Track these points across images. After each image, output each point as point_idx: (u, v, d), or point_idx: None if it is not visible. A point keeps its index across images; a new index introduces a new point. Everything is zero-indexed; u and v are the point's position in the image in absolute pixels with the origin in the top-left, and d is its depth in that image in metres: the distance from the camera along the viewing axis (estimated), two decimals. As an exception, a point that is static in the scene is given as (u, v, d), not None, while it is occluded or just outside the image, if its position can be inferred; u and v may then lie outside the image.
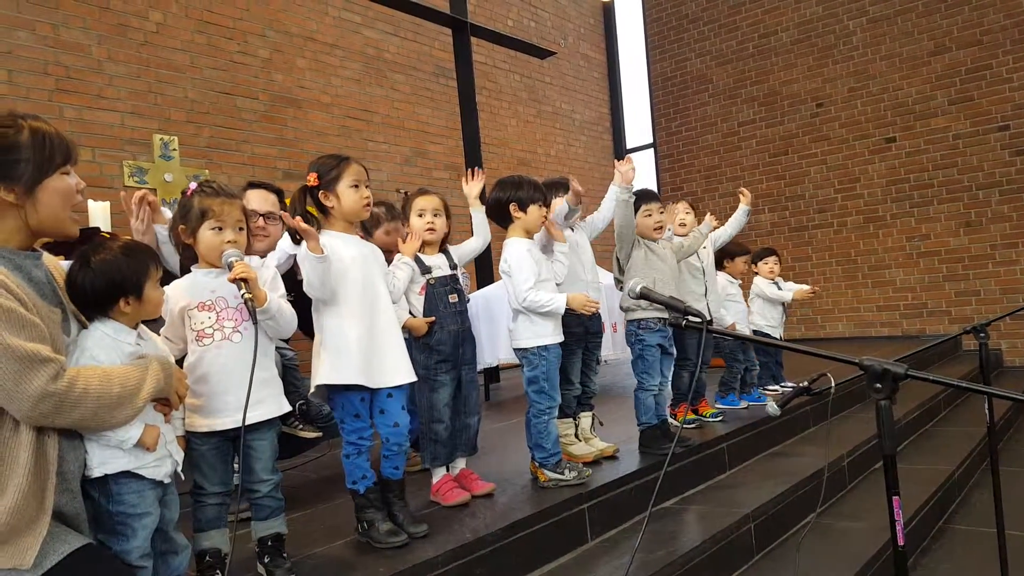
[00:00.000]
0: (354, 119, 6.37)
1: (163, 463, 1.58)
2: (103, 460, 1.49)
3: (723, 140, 8.88)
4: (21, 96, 4.37)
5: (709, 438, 3.30)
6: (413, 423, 2.38)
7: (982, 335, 2.41)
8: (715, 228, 3.60)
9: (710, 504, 2.89)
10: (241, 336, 1.83)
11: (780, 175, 8.48)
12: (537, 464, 2.65)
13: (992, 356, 7.02)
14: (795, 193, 8.38)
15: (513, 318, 2.72)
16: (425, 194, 2.55)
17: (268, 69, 5.75)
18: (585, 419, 3.03)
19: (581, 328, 2.88)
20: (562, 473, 2.60)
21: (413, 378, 2.19)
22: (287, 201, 2.47)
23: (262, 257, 2.31)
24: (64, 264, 1.62)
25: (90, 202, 3.94)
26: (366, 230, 2.53)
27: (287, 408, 1.93)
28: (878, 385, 1.25)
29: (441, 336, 2.44)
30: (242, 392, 1.72)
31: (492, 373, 5.41)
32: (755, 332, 4.42)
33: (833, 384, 2.37)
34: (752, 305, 4.50)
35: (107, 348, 1.53)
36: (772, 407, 2.87)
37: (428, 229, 2.48)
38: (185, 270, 1.92)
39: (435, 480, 2.51)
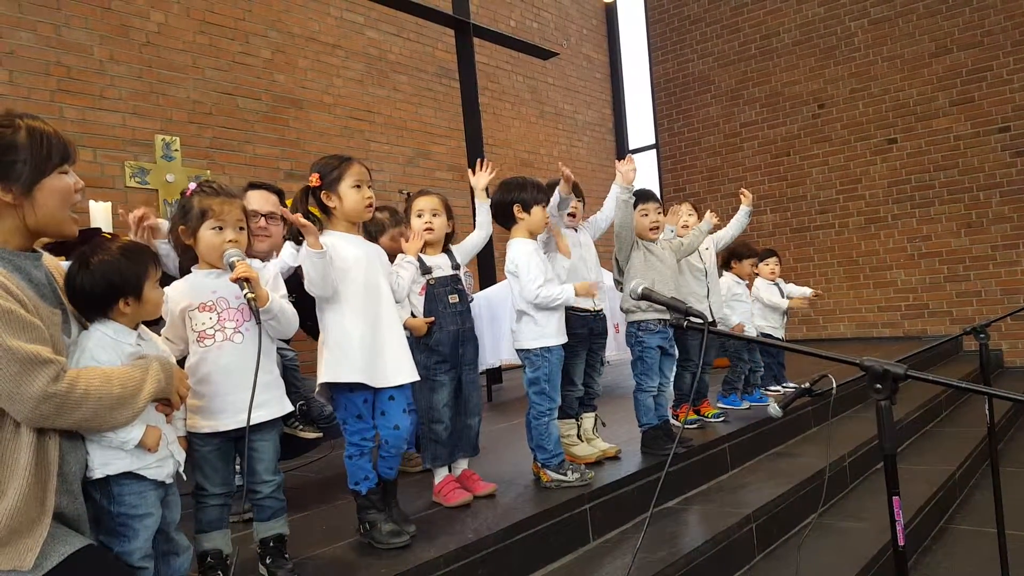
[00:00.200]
0: (356, 120, 6.38)
1: (165, 464, 1.59)
2: (105, 461, 1.49)
3: (725, 141, 8.88)
4: (23, 96, 4.38)
5: (711, 438, 3.30)
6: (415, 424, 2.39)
7: (982, 336, 2.42)
8: (715, 224, 3.60)
9: (712, 504, 2.89)
10: (243, 337, 1.83)
11: (782, 176, 8.48)
12: (539, 465, 2.65)
13: (993, 357, 7.02)
14: (797, 194, 8.38)
15: (516, 319, 2.72)
16: (424, 195, 2.55)
17: (270, 70, 5.76)
18: (588, 420, 3.03)
19: (585, 330, 2.89)
20: (564, 474, 2.60)
21: (416, 377, 2.19)
22: (288, 202, 2.48)
23: (264, 260, 2.32)
24: (64, 265, 1.62)
25: (91, 203, 3.96)
26: (372, 237, 2.53)
27: (289, 408, 1.93)
28: (878, 386, 1.26)
29: (440, 336, 2.44)
30: (244, 393, 1.73)
31: (495, 374, 5.41)
32: (760, 334, 4.43)
33: (834, 385, 2.37)
34: (753, 307, 4.51)
35: (108, 349, 1.53)
36: (774, 408, 2.87)
37: (426, 229, 2.49)
38: (185, 271, 1.92)
39: (437, 481, 2.51)
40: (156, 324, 1.77)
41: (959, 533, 3.31)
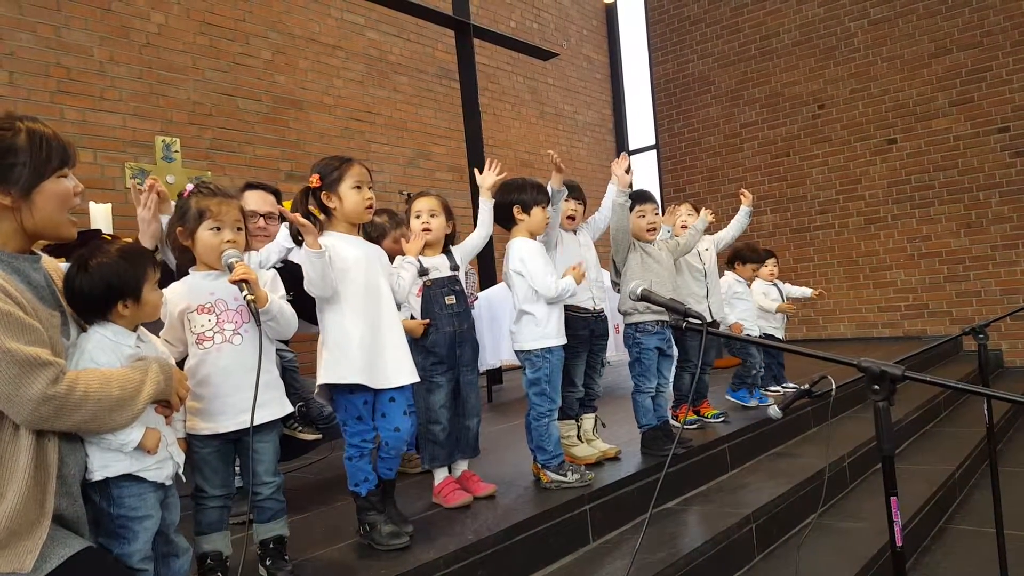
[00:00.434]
0: (357, 121, 6.38)
1: (164, 465, 1.59)
2: (104, 463, 1.49)
3: (725, 142, 8.88)
4: (23, 98, 4.38)
5: (710, 439, 3.31)
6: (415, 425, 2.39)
7: (981, 336, 2.42)
8: (710, 222, 3.61)
9: (712, 505, 2.89)
10: (242, 338, 1.83)
11: (782, 176, 8.48)
12: (539, 466, 2.65)
13: (992, 357, 7.02)
14: (797, 194, 8.39)
15: (516, 319, 2.72)
16: (423, 196, 2.56)
17: (270, 71, 5.76)
18: (588, 420, 3.03)
19: (586, 331, 2.89)
20: (564, 475, 2.60)
21: (416, 378, 2.19)
22: (287, 204, 2.48)
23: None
24: (63, 266, 1.62)
25: (91, 204, 3.96)
26: (373, 241, 2.53)
27: (290, 409, 1.93)
28: (876, 387, 1.26)
29: (436, 338, 2.44)
30: (244, 394, 1.73)
31: (495, 374, 5.42)
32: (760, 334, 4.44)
33: (834, 387, 2.37)
34: (754, 308, 4.52)
35: (107, 351, 1.53)
36: (774, 411, 2.88)
37: (424, 229, 2.49)
38: (183, 273, 1.92)
39: (437, 482, 2.51)
40: (154, 325, 1.77)
41: (958, 533, 3.32)
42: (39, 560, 1.30)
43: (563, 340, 2.70)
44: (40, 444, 1.37)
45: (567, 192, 2.94)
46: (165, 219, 2.19)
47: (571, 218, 2.99)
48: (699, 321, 1.63)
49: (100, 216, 3.88)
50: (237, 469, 1.98)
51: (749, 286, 4.41)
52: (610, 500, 2.61)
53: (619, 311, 3.20)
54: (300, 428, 2.66)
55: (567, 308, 2.80)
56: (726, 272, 4.30)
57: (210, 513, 1.84)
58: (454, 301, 2.49)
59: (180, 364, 1.79)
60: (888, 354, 6.02)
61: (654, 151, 9.56)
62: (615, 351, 4.95)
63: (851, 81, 7.99)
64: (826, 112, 8.16)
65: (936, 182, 7.54)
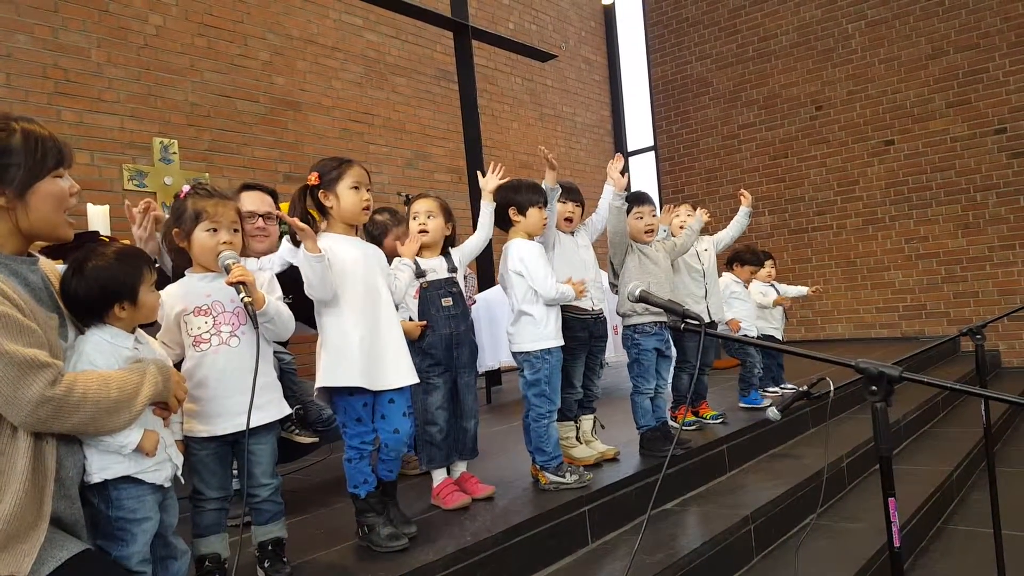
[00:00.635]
0: (355, 122, 6.38)
1: (163, 467, 1.58)
2: (103, 466, 1.49)
3: (723, 143, 8.89)
4: (20, 99, 4.38)
5: (709, 440, 3.31)
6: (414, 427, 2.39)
7: (978, 337, 2.42)
8: (706, 222, 3.62)
9: (710, 506, 2.89)
10: (239, 340, 1.82)
11: (780, 178, 8.49)
12: (538, 467, 2.65)
13: (990, 357, 7.04)
14: (795, 195, 8.40)
15: (513, 321, 2.71)
16: (421, 198, 2.56)
17: (269, 72, 5.76)
18: (586, 422, 3.03)
19: (585, 333, 2.89)
20: (563, 476, 2.60)
21: (415, 379, 2.19)
22: (283, 207, 2.48)
23: (258, 258, 2.32)
24: (61, 268, 1.62)
25: (89, 206, 3.96)
26: (375, 239, 2.53)
27: (288, 411, 1.93)
28: (874, 388, 1.26)
29: (432, 340, 2.44)
30: (241, 396, 1.73)
31: (493, 376, 5.41)
32: (760, 335, 4.44)
33: (832, 388, 2.37)
34: (753, 309, 4.52)
35: (105, 353, 1.53)
36: (773, 412, 2.87)
37: (421, 231, 2.50)
38: (179, 275, 1.91)
39: (435, 483, 2.51)
40: (151, 327, 1.76)
41: (956, 534, 3.32)
42: (36, 563, 1.30)
43: (561, 341, 2.70)
44: (38, 447, 1.36)
45: (565, 194, 2.95)
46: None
47: (569, 220, 2.99)
48: (697, 322, 1.63)
49: (97, 218, 3.87)
50: (235, 471, 1.97)
51: (747, 287, 4.42)
52: (609, 501, 2.61)
53: (617, 313, 3.20)
54: (297, 431, 2.66)
55: (565, 309, 2.79)
56: (724, 273, 4.30)
57: (208, 515, 1.83)
58: (451, 303, 2.48)
59: (177, 366, 1.79)
60: (886, 355, 6.03)
61: (652, 152, 9.57)
62: (614, 352, 4.95)
63: (849, 83, 8.01)
64: (824, 113, 8.17)
65: (933, 183, 7.55)
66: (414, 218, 2.52)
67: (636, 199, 3.22)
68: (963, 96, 7.36)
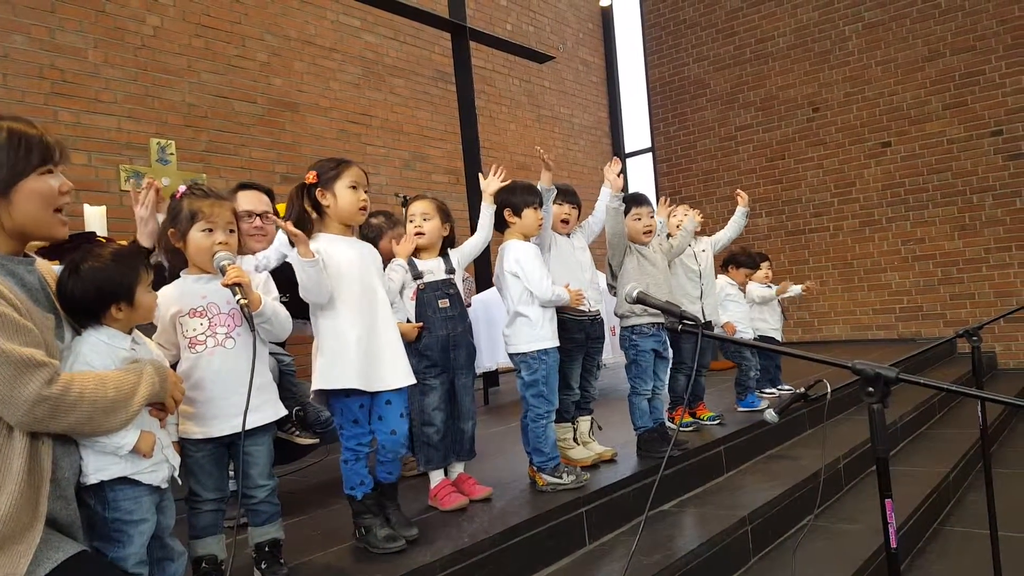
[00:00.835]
0: (353, 123, 6.38)
1: (160, 468, 1.58)
2: (99, 467, 1.48)
3: (720, 144, 8.91)
4: (17, 100, 4.37)
5: (706, 441, 3.31)
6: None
7: (975, 338, 2.43)
8: (698, 222, 3.64)
9: (707, 507, 2.89)
10: (234, 342, 1.82)
11: (777, 179, 8.51)
12: (535, 468, 2.65)
13: (986, 359, 7.05)
14: (792, 197, 8.41)
15: (509, 322, 2.72)
16: (418, 199, 2.56)
17: (266, 73, 5.76)
18: (584, 423, 3.03)
19: (582, 334, 2.89)
20: (560, 477, 2.60)
21: (412, 380, 2.19)
22: (280, 208, 2.47)
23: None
24: (57, 269, 1.61)
25: (86, 206, 3.95)
26: (370, 243, 2.52)
27: (283, 412, 1.93)
28: (870, 389, 1.27)
29: (429, 341, 2.44)
30: (237, 398, 1.72)
31: (491, 377, 5.41)
32: (758, 336, 4.44)
33: (829, 390, 2.38)
34: (751, 311, 4.52)
35: (102, 353, 1.52)
36: (770, 415, 2.88)
37: (416, 233, 2.50)
38: (174, 276, 1.91)
39: (433, 485, 2.51)
40: (148, 328, 1.76)
41: (953, 535, 3.32)
42: (32, 564, 1.29)
43: (557, 342, 2.70)
44: (34, 447, 1.36)
45: (562, 196, 2.95)
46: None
47: (565, 222, 2.99)
48: (694, 323, 1.63)
49: (94, 218, 3.86)
50: (231, 473, 1.97)
51: (742, 290, 4.42)
52: (606, 502, 2.61)
53: (615, 314, 3.20)
54: (297, 432, 2.65)
55: (562, 311, 2.80)
56: (718, 276, 4.30)
57: (204, 517, 1.83)
58: (448, 304, 2.48)
59: (173, 367, 1.79)
60: (883, 356, 6.04)
61: (650, 154, 9.58)
62: (611, 354, 4.96)
63: (845, 84, 8.02)
64: (821, 115, 8.19)
65: (930, 185, 7.57)
66: (411, 220, 2.52)
67: (634, 200, 3.23)
68: (960, 98, 7.39)
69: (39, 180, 1.45)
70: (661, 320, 3.05)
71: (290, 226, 1.95)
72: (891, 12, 7.76)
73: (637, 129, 9.70)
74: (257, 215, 2.77)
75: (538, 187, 2.78)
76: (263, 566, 1.89)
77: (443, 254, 2.57)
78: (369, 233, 2.98)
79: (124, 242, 2.28)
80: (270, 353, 2.34)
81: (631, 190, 3.31)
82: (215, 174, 5.26)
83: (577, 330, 2.87)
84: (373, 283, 2.15)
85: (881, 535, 1.33)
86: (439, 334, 2.45)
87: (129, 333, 1.61)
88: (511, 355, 2.73)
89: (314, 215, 2.14)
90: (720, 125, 8.90)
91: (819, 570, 2.58)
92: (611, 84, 9.62)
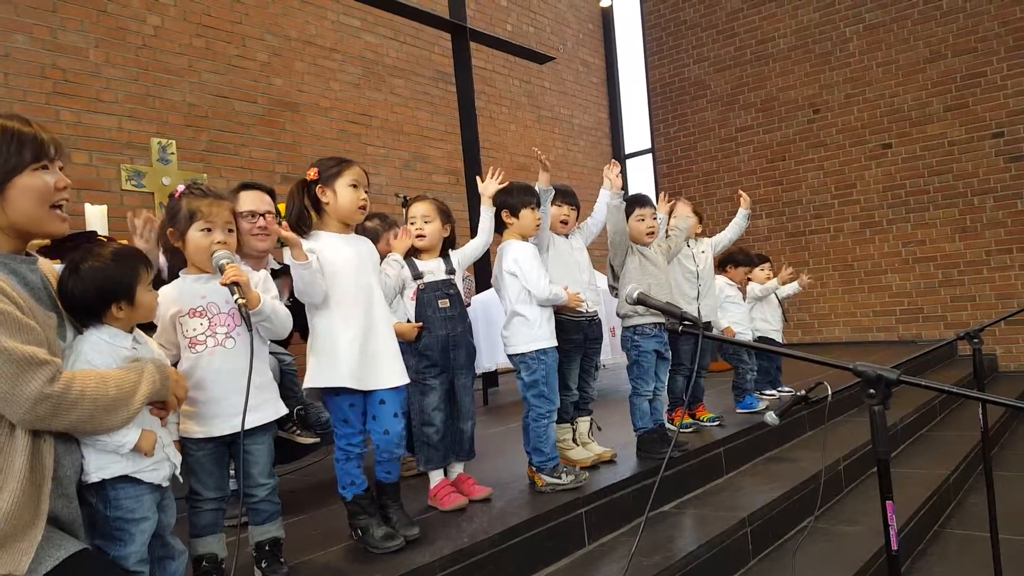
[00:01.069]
0: (353, 123, 6.38)
1: (161, 466, 1.58)
2: (100, 465, 1.48)
3: (721, 146, 8.91)
4: (18, 99, 4.37)
5: (706, 442, 3.31)
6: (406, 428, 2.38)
7: (976, 340, 2.42)
8: (692, 217, 3.65)
9: (707, 508, 2.89)
10: (234, 342, 1.82)
11: (777, 181, 8.51)
12: (534, 468, 2.65)
13: (987, 361, 7.05)
14: (792, 199, 8.41)
15: (507, 323, 2.72)
16: (418, 201, 2.56)
17: (267, 73, 5.76)
18: (583, 424, 3.03)
19: (580, 335, 2.89)
20: (559, 477, 2.60)
21: (406, 380, 2.18)
22: (280, 207, 2.47)
23: (262, 259, 2.31)
24: (58, 268, 1.61)
25: (87, 206, 3.94)
26: None
27: (284, 412, 1.93)
28: (872, 391, 1.26)
29: (429, 341, 2.44)
30: (237, 397, 1.72)
31: (490, 377, 5.41)
32: (759, 337, 4.44)
33: (830, 392, 2.38)
34: (752, 311, 4.52)
35: (103, 353, 1.52)
36: (771, 417, 2.88)
37: (417, 235, 2.50)
38: (174, 275, 1.91)
39: (432, 484, 2.51)
40: (147, 329, 1.76)
41: (953, 537, 3.32)
42: (34, 562, 1.30)
43: (555, 342, 2.71)
44: (36, 445, 1.36)
45: (561, 197, 2.95)
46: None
47: (564, 222, 2.99)
48: (695, 325, 1.63)
49: (95, 218, 3.86)
50: (232, 472, 1.97)
51: (741, 290, 4.41)
52: (606, 503, 2.61)
53: (617, 314, 3.21)
54: (298, 432, 2.65)
55: (560, 312, 2.80)
56: (717, 277, 4.30)
57: (205, 516, 1.83)
58: (448, 305, 2.48)
59: (174, 367, 1.78)
60: (883, 358, 6.04)
61: (650, 155, 9.58)
62: (610, 354, 4.96)
63: (846, 86, 8.02)
64: (821, 117, 8.19)
65: (931, 187, 7.57)
66: (411, 223, 2.52)
67: (637, 201, 3.23)
68: (961, 100, 7.39)
69: (33, 176, 1.45)
70: (663, 320, 3.06)
71: (284, 231, 1.95)
72: (892, 13, 7.76)
73: (637, 130, 9.71)
74: (260, 215, 2.77)
75: (536, 188, 2.78)
76: (263, 565, 1.89)
77: (443, 255, 2.57)
78: (364, 236, 2.98)
79: (125, 241, 2.28)
80: (271, 353, 2.34)
81: (631, 191, 3.31)
82: (215, 174, 5.26)
83: (575, 331, 2.87)
84: (370, 282, 2.15)
85: (881, 537, 1.33)
86: (439, 334, 2.45)
87: (130, 332, 1.61)
88: (510, 356, 2.73)
89: (313, 214, 2.14)
90: (720, 126, 8.90)
91: (819, 572, 2.57)
92: (611, 85, 9.62)
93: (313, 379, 2.07)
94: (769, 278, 4.64)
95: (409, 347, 2.45)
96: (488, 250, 2.76)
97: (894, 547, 1.31)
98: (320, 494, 2.85)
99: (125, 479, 1.51)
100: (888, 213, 7.82)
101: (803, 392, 2.45)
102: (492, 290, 4.90)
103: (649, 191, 9.38)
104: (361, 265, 2.14)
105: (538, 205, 2.76)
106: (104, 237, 3.17)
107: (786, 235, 8.44)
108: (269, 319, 1.84)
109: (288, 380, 2.66)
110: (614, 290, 3.29)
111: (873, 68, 7.87)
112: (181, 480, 1.68)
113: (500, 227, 2.76)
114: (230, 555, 1.85)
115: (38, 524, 1.32)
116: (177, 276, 1.89)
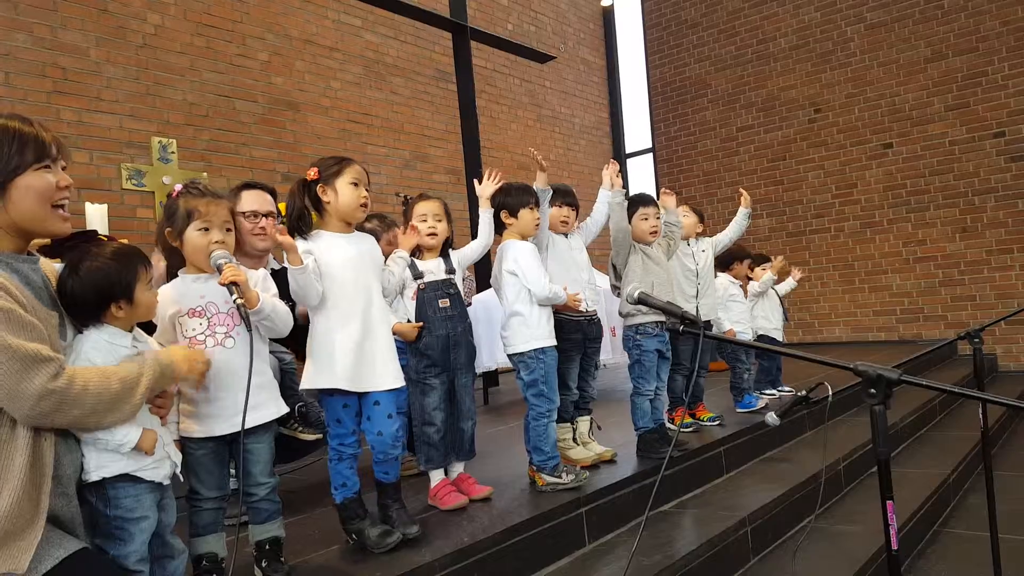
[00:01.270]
0: (353, 122, 6.38)
1: (162, 464, 1.58)
2: (100, 464, 1.48)
3: (721, 145, 8.90)
4: (19, 98, 4.37)
5: (706, 442, 3.31)
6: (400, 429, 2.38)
7: (976, 340, 2.42)
8: (679, 209, 3.66)
9: (707, 508, 2.89)
10: (234, 341, 1.81)
11: (778, 180, 8.51)
12: (535, 468, 2.65)
13: (987, 361, 7.04)
14: (793, 198, 8.41)
15: (505, 323, 2.72)
16: (427, 199, 2.56)
17: (267, 72, 5.76)
18: (583, 423, 3.04)
19: (579, 334, 2.89)
20: (560, 477, 2.60)
21: (401, 383, 2.18)
22: (281, 207, 2.47)
23: (263, 259, 2.31)
24: (58, 267, 1.62)
25: (87, 205, 3.95)
26: None
27: (284, 410, 1.93)
28: (872, 390, 1.26)
29: (429, 341, 2.44)
30: (237, 397, 1.72)
31: (491, 377, 5.41)
32: (760, 335, 4.44)
33: (830, 393, 2.38)
34: (753, 309, 4.52)
35: (103, 352, 1.52)
36: (772, 418, 2.88)
37: (430, 233, 2.49)
38: (172, 275, 1.91)
39: (433, 484, 2.51)
40: (147, 328, 1.76)
41: (953, 537, 3.32)
42: (34, 561, 1.30)
43: (553, 341, 2.71)
44: (36, 444, 1.36)
45: (560, 196, 2.95)
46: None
47: (565, 222, 2.99)
48: (695, 325, 1.63)
49: (96, 217, 3.86)
50: (232, 471, 1.97)
51: (743, 287, 4.41)
52: (606, 503, 2.61)
53: (620, 313, 3.21)
54: (301, 428, 2.65)
55: (559, 311, 2.80)
56: (720, 275, 4.30)
57: (205, 515, 1.83)
58: (448, 304, 2.48)
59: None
60: (883, 358, 6.04)
61: (650, 155, 9.57)
62: (610, 354, 4.96)
63: (847, 85, 8.02)
64: (822, 116, 8.18)
65: (932, 187, 7.57)
66: (423, 220, 2.51)
67: (641, 201, 3.24)
68: (962, 100, 7.38)
69: (35, 176, 1.45)
70: (665, 319, 3.06)
71: (281, 236, 1.95)
72: (893, 13, 7.75)
73: (638, 130, 9.70)
74: (263, 215, 2.76)
75: (535, 187, 2.79)
76: (263, 564, 1.89)
77: (443, 254, 2.57)
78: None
79: (125, 241, 2.28)
80: (270, 351, 2.34)
81: (632, 191, 3.31)
82: (216, 173, 5.26)
83: (574, 330, 2.87)
84: (368, 283, 2.14)
85: (881, 537, 1.33)
86: (439, 334, 2.45)
87: (130, 331, 1.61)
88: (509, 356, 2.73)
89: (314, 213, 2.14)
90: (721, 126, 8.90)
91: (819, 571, 2.57)
92: (612, 84, 9.62)
93: (308, 380, 2.08)
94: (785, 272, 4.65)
95: (410, 346, 2.45)
96: (488, 251, 2.76)
97: (894, 547, 1.31)
98: (320, 494, 2.84)
99: (125, 478, 1.51)
100: (889, 213, 7.82)
101: (804, 393, 2.45)
102: (491, 290, 4.92)
103: (650, 191, 9.38)
104: (361, 265, 2.14)
105: (537, 205, 2.76)
106: (104, 236, 3.17)
107: (787, 235, 8.44)
108: (269, 318, 1.84)
109: (288, 379, 2.66)
110: (616, 289, 3.29)
111: (874, 68, 7.86)
112: (182, 479, 1.69)
113: (499, 227, 2.77)
114: (229, 554, 1.85)
115: (38, 522, 1.32)
116: (176, 276, 1.89)
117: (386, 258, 2.45)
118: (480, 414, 2.98)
